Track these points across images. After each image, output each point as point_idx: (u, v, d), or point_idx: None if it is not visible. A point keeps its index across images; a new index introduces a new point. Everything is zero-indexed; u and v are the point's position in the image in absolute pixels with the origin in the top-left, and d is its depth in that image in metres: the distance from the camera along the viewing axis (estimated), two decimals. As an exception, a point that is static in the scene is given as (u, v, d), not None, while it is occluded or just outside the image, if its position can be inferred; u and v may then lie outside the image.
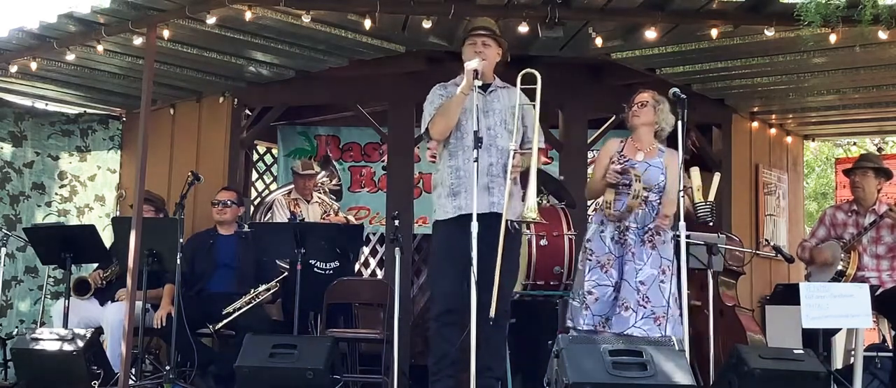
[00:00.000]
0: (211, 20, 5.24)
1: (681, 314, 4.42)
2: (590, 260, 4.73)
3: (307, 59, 6.21)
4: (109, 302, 5.89)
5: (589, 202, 7.21)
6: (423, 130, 4.55)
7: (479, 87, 4.23)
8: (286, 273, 5.69)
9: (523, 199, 4.40)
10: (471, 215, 4.07)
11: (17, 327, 6.65)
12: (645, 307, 4.49)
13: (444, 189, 4.47)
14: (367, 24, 5.35)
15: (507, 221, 4.21)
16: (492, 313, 4.06)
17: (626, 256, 4.61)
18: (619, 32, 5.83)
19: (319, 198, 6.78)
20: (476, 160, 4.08)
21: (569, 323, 4.79)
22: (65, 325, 5.43)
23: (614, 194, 4.67)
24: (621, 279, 4.60)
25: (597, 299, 4.62)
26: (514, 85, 4.39)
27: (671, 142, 4.62)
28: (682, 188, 4.36)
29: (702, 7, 5.27)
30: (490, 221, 4.22)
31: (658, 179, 4.66)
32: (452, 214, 4.41)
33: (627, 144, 4.82)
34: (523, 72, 4.33)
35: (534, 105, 4.35)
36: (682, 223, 4.30)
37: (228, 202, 6.02)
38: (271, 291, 5.64)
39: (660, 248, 4.59)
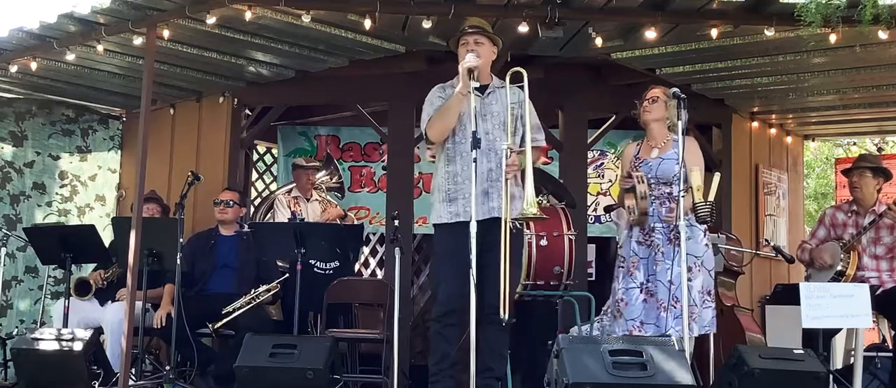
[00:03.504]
0: (211, 20, 5.24)
1: (682, 313, 4.41)
2: (622, 267, 4.74)
3: (307, 59, 6.21)
4: (110, 302, 5.90)
5: (589, 202, 7.23)
6: (423, 132, 4.55)
7: (476, 88, 4.22)
8: (287, 275, 5.68)
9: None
10: (468, 222, 4.06)
11: (17, 327, 6.64)
12: (675, 307, 4.46)
13: (441, 194, 4.46)
14: (367, 24, 5.35)
15: (510, 222, 4.20)
16: (506, 314, 4.08)
17: (657, 256, 4.60)
18: (619, 32, 5.83)
19: (319, 196, 6.78)
20: (474, 160, 4.07)
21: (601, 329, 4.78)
22: (65, 325, 5.44)
23: (634, 198, 4.66)
24: (655, 281, 4.58)
25: (627, 303, 4.62)
26: (510, 84, 4.38)
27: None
28: (683, 189, 4.35)
29: (702, 7, 5.26)
30: (489, 226, 4.22)
31: (673, 169, 4.58)
32: (448, 220, 4.41)
33: (642, 145, 4.83)
34: (511, 71, 4.33)
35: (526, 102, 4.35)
36: (681, 222, 4.30)
37: (230, 202, 6.03)
38: (272, 292, 5.64)
39: (686, 244, 4.55)
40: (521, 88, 4.34)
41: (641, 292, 4.61)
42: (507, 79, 4.35)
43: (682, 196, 4.34)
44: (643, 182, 4.56)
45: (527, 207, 4.18)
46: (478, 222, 4.09)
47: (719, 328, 4.94)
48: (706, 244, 4.64)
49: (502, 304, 4.11)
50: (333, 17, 5.48)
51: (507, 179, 4.23)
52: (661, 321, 4.51)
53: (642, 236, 4.67)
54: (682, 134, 4.36)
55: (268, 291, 5.61)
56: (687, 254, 4.50)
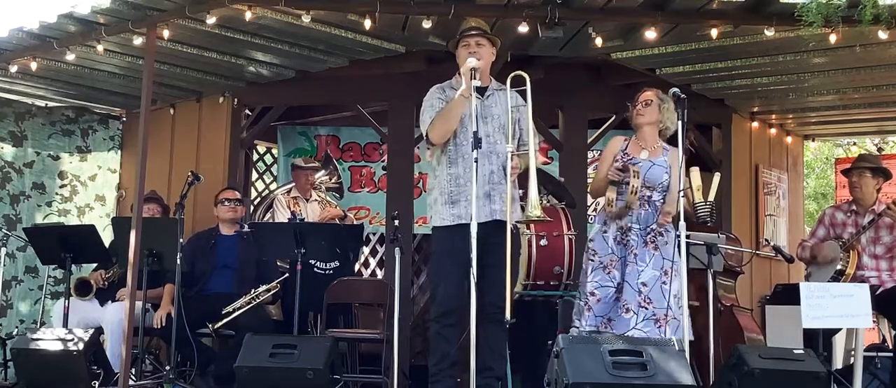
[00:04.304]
0: (211, 20, 5.24)
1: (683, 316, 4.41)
2: (592, 261, 4.72)
3: (307, 59, 6.21)
4: (110, 302, 5.89)
5: (589, 202, 7.24)
6: (424, 134, 4.54)
7: (476, 89, 4.22)
8: (287, 275, 5.69)
9: (522, 199, 4.41)
10: (470, 224, 4.06)
11: (17, 327, 6.64)
12: (646, 309, 4.48)
13: (443, 197, 4.46)
14: (367, 24, 5.35)
15: (512, 225, 4.20)
16: (507, 315, 4.08)
17: (629, 257, 4.59)
18: (619, 32, 5.83)
19: (318, 197, 6.78)
20: (476, 160, 4.07)
21: (575, 322, 4.77)
22: (65, 325, 5.44)
23: (616, 192, 4.66)
24: (623, 281, 4.59)
25: (599, 300, 4.61)
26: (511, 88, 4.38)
27: (674, 141, 4.60)
28: (682, 189, 4.35)
29: (702, 7, 5.26)
30: (490, 228, 4.21)
31: (662, 177, 4.63)
32: (450, 222, 4.41)
33: (631, 142, 4.81)
34: (513, 74, 4.32)
35: (527, 106, 4.35)
36: (681, 223, 4.30)
37: (237, 201, 6.05)
38: (272, 292, 5.64)
39: (662, 249, 4.57)
40: (523, 92, 4.33)
41: (617, 291, 4.61)
42: (509, 82, 4.34)
43: (682, 197, 4.33)
44: (638, 177, 4.55)
45: (531, 209, 4.18)
46: (479, 224, 4.10)
47: (719, 328, 4.94)
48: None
49: (506, 305, 4.11)
50: (333, 17, 5.48)
51: (509, 182, 4.24)
52: (621, 322, 4.52)
53: (619, 235, 4.66)
54: (682, 134, 4.35)
55: (268, 291, 5.61)
56: (664, 259, 4.53)
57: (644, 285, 4.51)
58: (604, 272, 4.64)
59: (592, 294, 4.63)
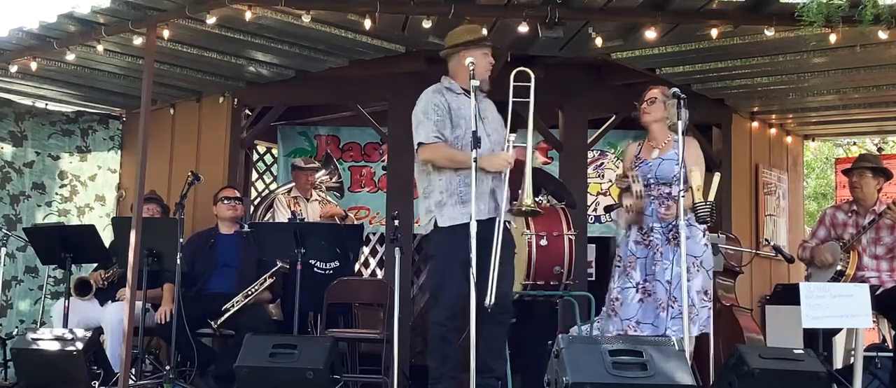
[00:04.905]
0: (211, 20, 5.24)
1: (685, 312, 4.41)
2: (618, 266, 4.74)
3: (307, 59, 6.21)
4: (110, 302, 5.90)
5: (589, 202, 7.24)
6: (416, 142, 4.57)
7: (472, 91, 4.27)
8: (280, 265, 5.68)
9: (511, 198, 4.43)
10: (480, 221, 4.09)
11: (17, 327, 6.64)
12: (673, 307, 4.47)
13: (453, 197, 4.44)
14: (367, 24, 5.35)
15: (505, 221, 4.24)
16: (490, 300, 4.09)
17: (655, 256, 4.59)
18: (619, 32, 5.83)
19: (319, 196, 6.78)
20: (475, 160, 4.10)
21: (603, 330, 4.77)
22: (65, 325, 5.44)
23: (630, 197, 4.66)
24: (654, 281, 4.57)
25: (622, 302, 4.62)
26: (509, 85, 4.40)
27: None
28: (683, 188, 4.35)
29: (702, 7, 5.26)
30: (492, 226, 4.22)
31: (673, 171, 4.55)
32: (463, 220, 4.34)
33: (643, 145, 4.82)
34: (517, 70, 4.33)
35: (527, 102, 4.36)
36: (681, 222, 4.29)
37: (238, 199, 6.06)
38: (266, 285, 5.64)
39: (685, 244, 4.54)
40: (526, 88, 4.34)
41: (637, 291, 4.60)
42: (512, 77, 4.35)
43: (682, 196, 4.33)
44: (638, 182, 4.56)
45: (525, 198, 4.22)
46: (483, 221, 4.13)
47: (719, 328, 4.94)
48: (705, 244, 4.64)
49: (490, 294, 4.12)
50: (333, 17, 5.48)
51: (510, 175, 4.30)
52: (659, 321, 4.51)
53: (640, 236, 4.66)
54: (682, 134, 4.36)
55: (262, 284, 5.61)
56: (686, 254, 4.51)
57: (669, 282, 4.51)
58: (625, 276, 4.66)
59: (617, 299, 4.65)
